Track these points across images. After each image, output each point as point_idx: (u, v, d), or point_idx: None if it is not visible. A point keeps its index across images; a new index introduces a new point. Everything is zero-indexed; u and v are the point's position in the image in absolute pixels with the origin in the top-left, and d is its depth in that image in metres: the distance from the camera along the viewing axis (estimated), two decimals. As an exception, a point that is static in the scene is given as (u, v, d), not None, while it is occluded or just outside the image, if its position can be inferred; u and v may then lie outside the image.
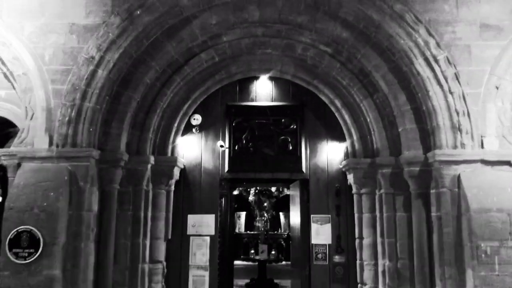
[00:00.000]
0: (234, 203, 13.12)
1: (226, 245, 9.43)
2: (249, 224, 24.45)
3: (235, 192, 21.87)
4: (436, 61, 5.27)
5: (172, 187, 6.28)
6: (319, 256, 6.31)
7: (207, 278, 6.28)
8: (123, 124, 5.70)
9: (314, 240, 6.38)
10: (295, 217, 7.25)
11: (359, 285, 6.03)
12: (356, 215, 6.19)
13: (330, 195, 6.48)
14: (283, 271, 18.84)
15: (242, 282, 15.27)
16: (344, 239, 6.34)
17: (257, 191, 13.96)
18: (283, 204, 23.75)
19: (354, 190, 6.21)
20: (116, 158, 5.60)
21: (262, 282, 14.30)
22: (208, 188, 6.55)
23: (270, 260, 14.15)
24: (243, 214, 24.76)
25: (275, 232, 23.70)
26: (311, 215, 6.45)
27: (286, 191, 15.13)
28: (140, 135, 5.97)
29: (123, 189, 5.80)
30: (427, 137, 5.50)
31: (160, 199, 6.11)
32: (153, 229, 6.01)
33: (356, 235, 6.15)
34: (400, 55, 5.45)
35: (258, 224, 15.69)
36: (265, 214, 14.40)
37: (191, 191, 6.54)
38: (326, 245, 6.34)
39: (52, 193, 5.16)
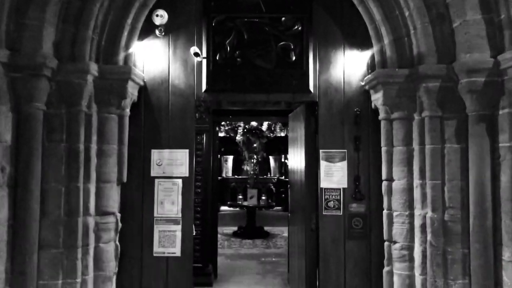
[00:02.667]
0: (218, 142, 11.47)
1: (208, 190, 7.86)
2: (237, 169, 23.16)
3: (221, 134, 20.29)
4: None
5: (127, 111, 4.47)
6: (331, 204, 4.67)
7: (179, 234, 4.64)
8: (45, 13, 3.78)
9: (323, 183, 4.71)
10: (296, 154, 5.56)
11: (385, 243, 4.44)
12: (384, 149, 4.49)
13: (347, 123, 4.74)
14: (274, 217, 17.67)
15: (229, 230, 14.01)
16: (365, 182, 4.68)
17: (245, 129, 12.25)
18: (274, 147, 22.36)
19: (382, 115, 4.47)
20: (36, 63, 3.73)
21: (252, 229, 12.99)
22: (179, 113, 4.75)
23: (260, 206, 12.73)
24: (230, 158, 23.36)
25: (265, 176, 22.42)
26: (320, 151, 4.74)
27: (279, 132, 13.48)
28: (76, 33, 4.05)
29: (52, 111, 3.99)
30: (498, 33, 3.72)
31: (109, 127, 4.32)
32: (100, 169, 4.26)
33: (383, 176, 4.49)
34: None
35: (247, 167, 14.16)
36: (255, 156, 12.80)
37: (156, 117, 4.74)
38: (340, 189, 4.69)
39: None
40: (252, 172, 12.70)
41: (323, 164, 4.71)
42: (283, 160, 23.34)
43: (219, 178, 19.57)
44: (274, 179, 22.71)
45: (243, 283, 8.12)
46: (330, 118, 4.76)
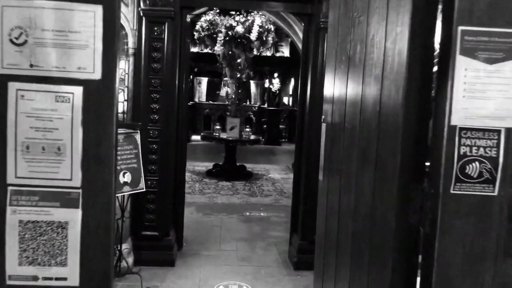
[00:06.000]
0: (190, 60, 8.36)
1: (171, 119, 5.01)
2: (212, 93, 20.13)
3: (194, 49, 17.09)
4: None
5: None
6: (472, 168, 1.83)
7: (74, 231, 1.75)
8: None
9: (457, 116, 1.83)
10: (359, 43, 2.61)
11: None
12: None
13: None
14: (256, 152, 15.10)
15: (202, 167, 11.40)
16: None
17: (228, 37, 9.08)
18: (255, 70, 19.28)
19: None
20: None
21: (231, 169, 10.36)
22: None
23: (244, 141, 9.99)
24: (204, 80, 20.22)
25: (244, 104, 19.69)
26: (459, 30, 1.81)
27: (270, 44, 10.39)
28: None
29: None
30: None
31: None
32: None
33: None
34: None
35: (227, 89, 11.13)
36: (238, 75, 9.76)
37: None
38: (500, 132, 1.84)
39: None
40: (233, 96, 9.75)
41: (462, 64, 1.80)
42: (266, 85, 20.33)
43: (190, 103, 16.62)
44: (254, 107, 19.83)
45: (221, 260, 5.48)
46: None
